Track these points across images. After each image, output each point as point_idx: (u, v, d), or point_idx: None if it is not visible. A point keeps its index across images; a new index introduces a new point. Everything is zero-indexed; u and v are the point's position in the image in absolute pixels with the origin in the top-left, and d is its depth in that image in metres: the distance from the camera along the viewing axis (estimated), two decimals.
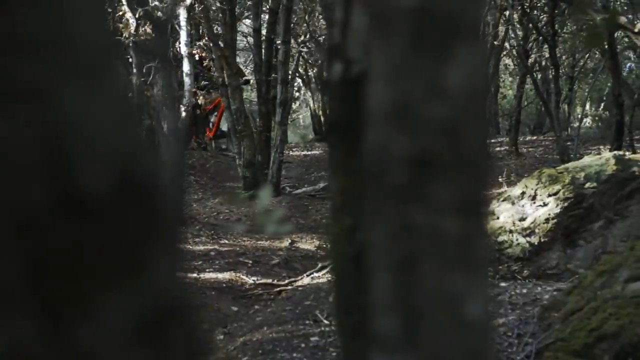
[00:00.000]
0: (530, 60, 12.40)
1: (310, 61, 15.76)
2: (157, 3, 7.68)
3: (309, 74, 16.31)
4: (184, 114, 7.70)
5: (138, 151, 0.52)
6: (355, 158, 1.24)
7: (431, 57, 0.69)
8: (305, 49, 14.27)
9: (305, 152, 13.30)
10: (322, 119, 16.36)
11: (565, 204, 6.37)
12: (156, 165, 0.53)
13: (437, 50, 0.69)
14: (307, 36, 13.80)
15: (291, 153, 12.54)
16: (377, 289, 0.73)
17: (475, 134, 0.69)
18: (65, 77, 0.48)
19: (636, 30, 5.70)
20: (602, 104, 14.71)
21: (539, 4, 11.90)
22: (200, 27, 9.04)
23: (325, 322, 5.23)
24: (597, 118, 14.33)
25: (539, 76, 13.94)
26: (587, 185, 6.47)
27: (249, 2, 10.77)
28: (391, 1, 0.71)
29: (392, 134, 0.71)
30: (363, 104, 1.32)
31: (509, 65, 16.34)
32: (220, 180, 10.01)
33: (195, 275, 6.16)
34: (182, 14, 7.79)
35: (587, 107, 15.32)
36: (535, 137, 13.86)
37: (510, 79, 16.86)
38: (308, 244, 7.60)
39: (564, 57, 13.41)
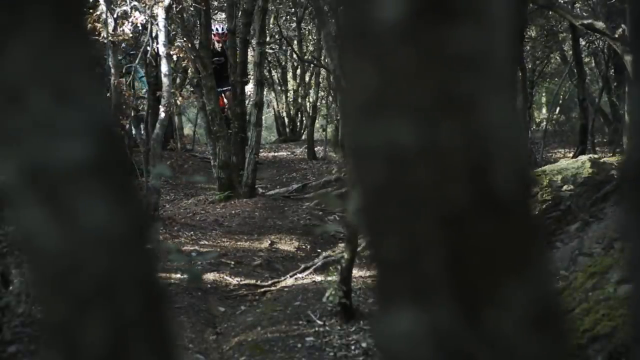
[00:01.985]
0: None
1: (273, 62, 15.78)
2: (135, 3, 7.62)
3: (273, 75, 16.34)
4: (162, 115, 7.65)
5: (526, 154, 0.58)
6: None
7: None
8: (270, 51, 14.27)
9: (273, 154, 13.34)
10: (286, 120, 16.44)
11: (544, 206, 6.51)
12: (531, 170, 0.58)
13: None
14: (272, 38, 13.84)
15: (260, 154, 12.55)
16: None
17: None
18: (489, 89, 0.54)
19: (616, 36, 5.88)
20: (558, 108, 15.05)
21: None
22: (173, 26, 8.97)
23: (319, 322, 5.28)
24: (554, 122, 14.65)
25: None
26: (565, 187, 6.61)
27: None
28: None
29: None
30: None
31: None
32: (192, 181, 9.97)
33: (179, 275, 6.14)
34: (161, 14, 7.75)
35: (544, 110, 15.68)
36: None
37: None
38: (287, 245, 7.64)
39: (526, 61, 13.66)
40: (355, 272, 5.82)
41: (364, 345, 4.84)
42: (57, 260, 0.62)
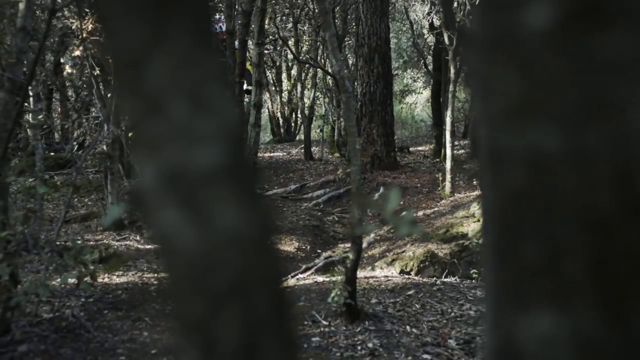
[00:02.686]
0: None
1: (268, 63, 15.79)
2: None
3: (268, 75, 16.35)
4: None
5: None
6: None
7: None
8: (265, 51, 14.29)
9: (269, 154, 13.34)
10: (280, 121, 16.44)
11: None
12: None
13: None
14: (266, 38, 13.85)
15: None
16: None
17: None
18: (638, 95, 0.56)
19: None
20: None
21: None
22: None
23: (324, 322, 5.30)
24: None
25: None
26: None
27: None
28: None
29: None
30: None
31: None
32: None
33: None
34: None
35: None
36: None
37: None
38: (287, 246, 7.66)
39: None
40: (358, 273, 5.84)
41: (369, 345, 4.87)
42: (195, 260, 0.65)
